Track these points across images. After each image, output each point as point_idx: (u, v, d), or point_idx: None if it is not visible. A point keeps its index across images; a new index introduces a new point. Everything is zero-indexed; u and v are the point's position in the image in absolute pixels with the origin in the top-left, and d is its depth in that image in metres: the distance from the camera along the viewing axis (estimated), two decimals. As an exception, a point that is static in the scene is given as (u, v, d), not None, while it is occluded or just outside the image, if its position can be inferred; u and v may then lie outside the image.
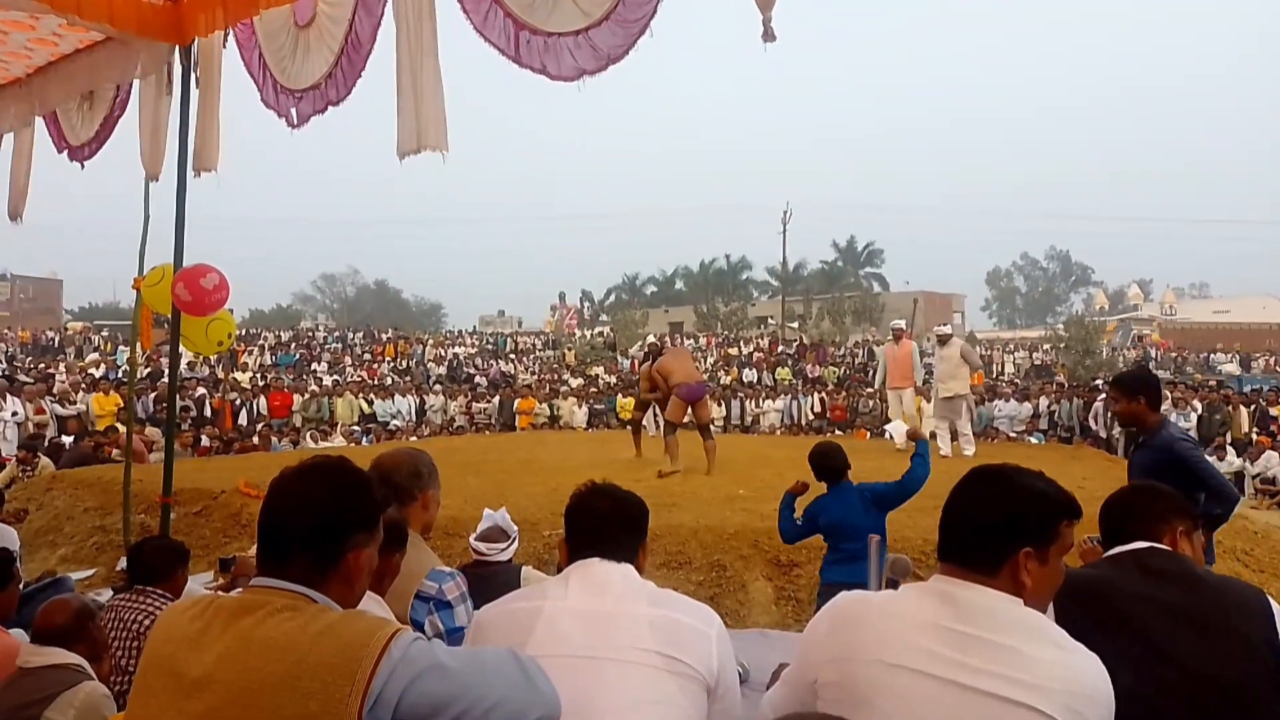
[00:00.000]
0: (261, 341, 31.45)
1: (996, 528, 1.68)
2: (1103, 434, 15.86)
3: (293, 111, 4.54)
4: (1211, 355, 34.03)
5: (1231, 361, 32.26)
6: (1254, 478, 13.15)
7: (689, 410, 8.74)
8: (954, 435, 10.65)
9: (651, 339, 14.33)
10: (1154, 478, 4.08)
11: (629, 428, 11.41)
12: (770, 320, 44.59)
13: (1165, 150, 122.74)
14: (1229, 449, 14.17)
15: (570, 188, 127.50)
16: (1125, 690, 1.80)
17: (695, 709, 1.80)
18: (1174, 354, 35.12)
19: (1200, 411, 15.60)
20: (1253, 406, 15.89)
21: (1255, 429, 15.26)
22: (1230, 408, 15.73)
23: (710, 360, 30.95)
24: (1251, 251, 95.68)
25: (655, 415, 11.12)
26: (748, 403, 22.10)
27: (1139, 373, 4.77)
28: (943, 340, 11.00)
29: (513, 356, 32.70)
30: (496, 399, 22.44)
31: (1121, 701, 1.80)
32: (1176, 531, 2.12)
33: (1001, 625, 1.61)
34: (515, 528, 4.13)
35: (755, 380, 26.39)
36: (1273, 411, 15.72)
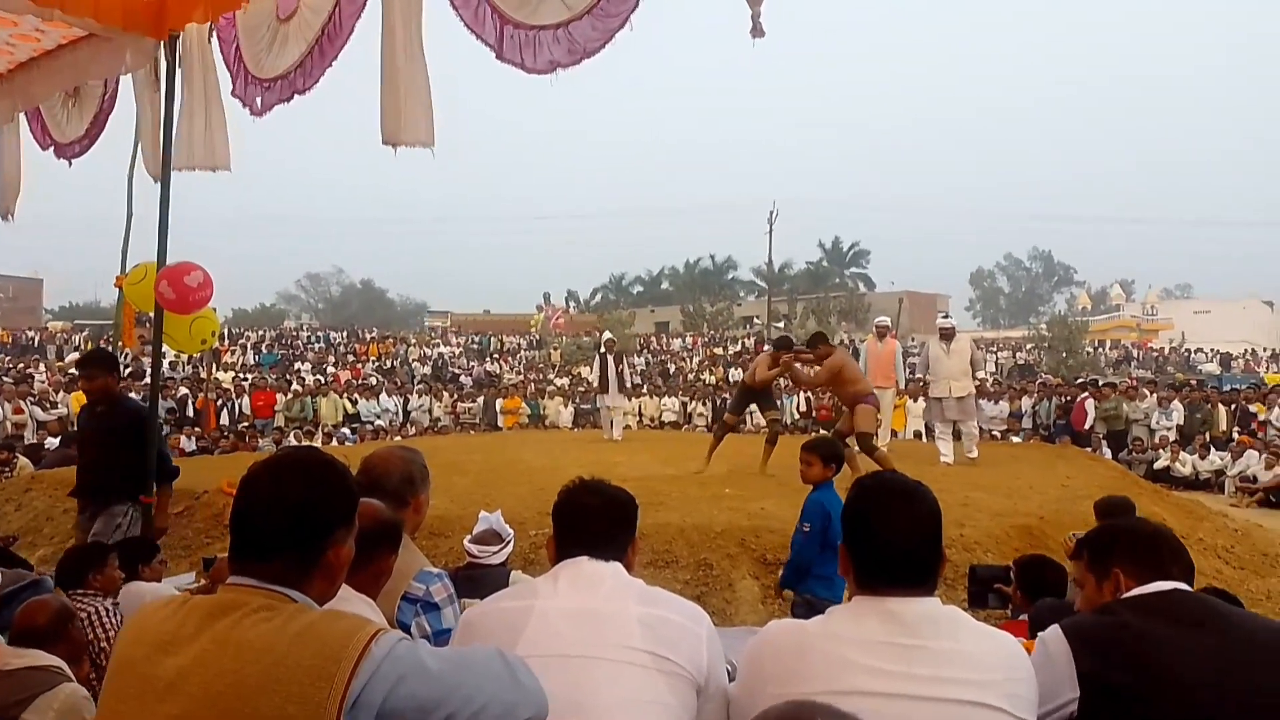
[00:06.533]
0: (244, 341, 31.24)
1: (926, 544, 1.75)
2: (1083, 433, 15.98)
3: (257, 100, 4.54)
4: (1192, 355, 34.39)
5: (1212, 361, 32.60)
6: (1234, 476, 13.26)
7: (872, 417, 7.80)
8: (956, 436, 9.77)
9: (608, 335, 14.42)
10: (115, 438, 4.85)
11: (713, 432, 9.83)
12: (756, 320, 44.67)
13: (1149, 149, 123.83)
14: (1210, 447, 14.29)
15: (557, 186, 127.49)
16: None
17: (684, 708, 1.79)
18: (1155, 353, 35.46)
19: (1183, 410, 15.73)
20: (1233, 405, 16.04)
21: (1237, 428, 15.38)
22: (1211, 406, 15.87)
23: (696, 360, 31.00)
24: (1235, 253, 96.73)
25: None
26: (733, 402, 22.11)
27: (97, 352, 5.31)
28: (948, 335, 9.65)
29: (497, 356, 32.63)
30: (481, 399, 22.40)
31: None
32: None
33: (939, 629, 1.67)
34: (510, 531, 4.12)
35: (741, 380, 26.41)
36: (1252, 409, 15.87)
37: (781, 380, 10.14)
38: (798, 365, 8.66)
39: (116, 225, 5.39)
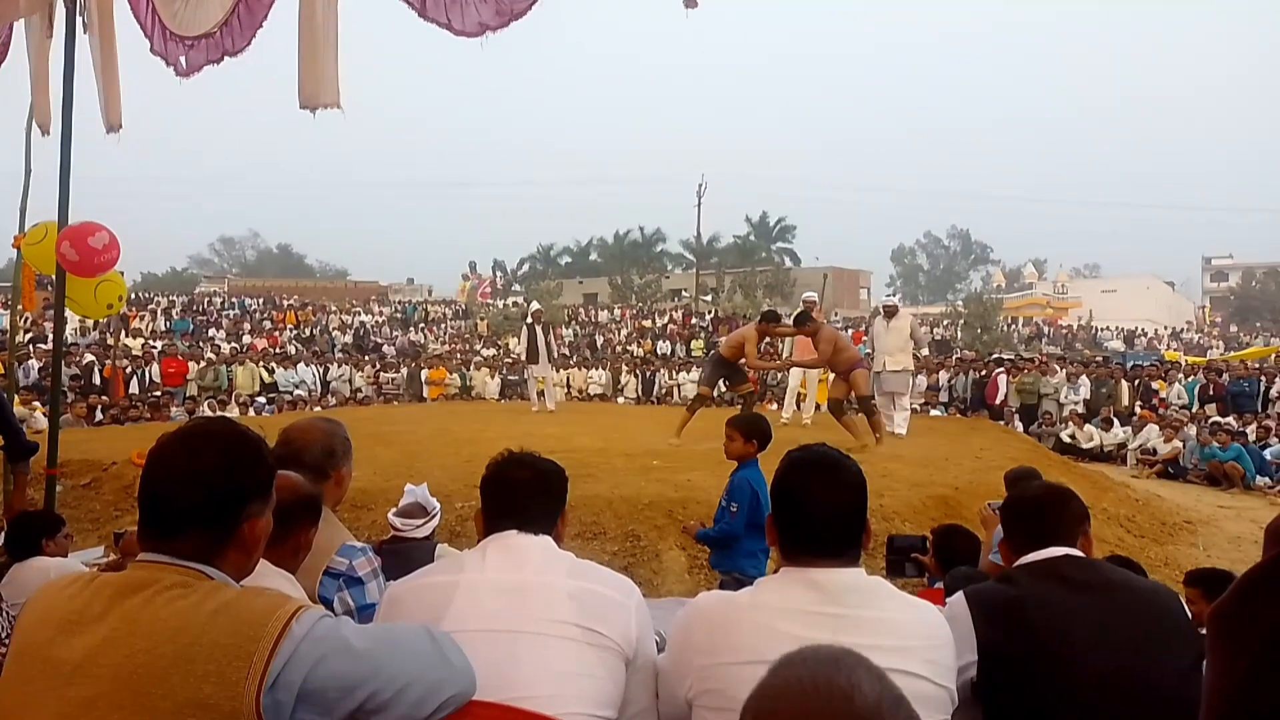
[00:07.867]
0: (154, 306, 30.01)
1: (851, 516, 1.78)
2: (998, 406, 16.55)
3: (181, 60, 4.30)
4: (1099, 332, 35.91)
5: (1117, 339, 34.11)
6: (1135, 448, 13.89)
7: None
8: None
9: (536, 306, 14.39)
10: None
11: (687, 405, 10.07)
12: (684, 293, 44.88)
13: (1062, 131, 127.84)
14: (1113, 421, 14.94)
15: (485, 155, 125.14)
16: (1067, 710, 1.81)
17: (614, 681, 1.79)
18: (1065, 330, 36.92)
19: (1089, 385, 16.39)
20: (1135, 381, 16.78)
21: (1139, 402, 16.10)
22: (1115, 382, 16.56)
23: (624, 332, 31.05)
24: (1140, 235, 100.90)
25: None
26: (661, 375, 22.25)
27: None
28: (890, 313, 10.22)
29: (423, 326, 32.10)
30: (405, 369, 22.03)
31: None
32: (1088, 534, 2.11)
33: (863, 599, 1.72)
34: (437, 504, 4.04)
35: (669, 352, 26.60)
36: (1154, 385, 16.63)
37: (710, 352, 10.39)
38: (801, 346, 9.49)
39: (13, 181, 5.09)
